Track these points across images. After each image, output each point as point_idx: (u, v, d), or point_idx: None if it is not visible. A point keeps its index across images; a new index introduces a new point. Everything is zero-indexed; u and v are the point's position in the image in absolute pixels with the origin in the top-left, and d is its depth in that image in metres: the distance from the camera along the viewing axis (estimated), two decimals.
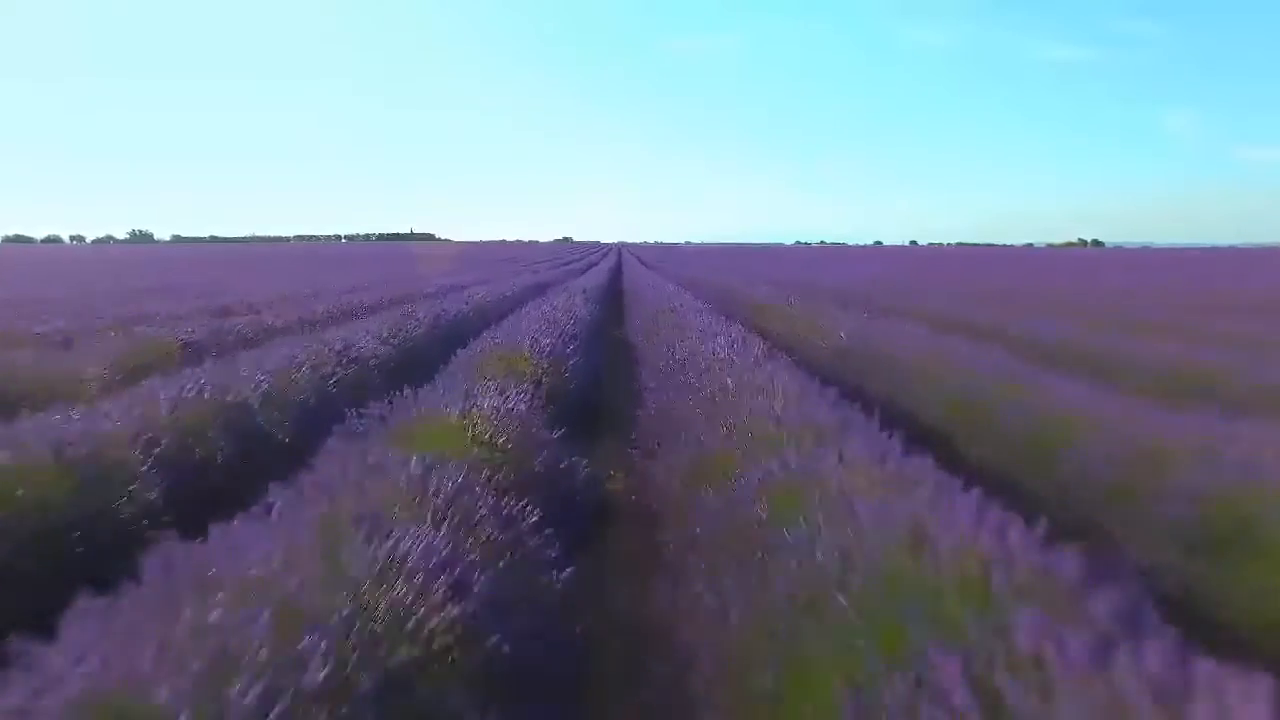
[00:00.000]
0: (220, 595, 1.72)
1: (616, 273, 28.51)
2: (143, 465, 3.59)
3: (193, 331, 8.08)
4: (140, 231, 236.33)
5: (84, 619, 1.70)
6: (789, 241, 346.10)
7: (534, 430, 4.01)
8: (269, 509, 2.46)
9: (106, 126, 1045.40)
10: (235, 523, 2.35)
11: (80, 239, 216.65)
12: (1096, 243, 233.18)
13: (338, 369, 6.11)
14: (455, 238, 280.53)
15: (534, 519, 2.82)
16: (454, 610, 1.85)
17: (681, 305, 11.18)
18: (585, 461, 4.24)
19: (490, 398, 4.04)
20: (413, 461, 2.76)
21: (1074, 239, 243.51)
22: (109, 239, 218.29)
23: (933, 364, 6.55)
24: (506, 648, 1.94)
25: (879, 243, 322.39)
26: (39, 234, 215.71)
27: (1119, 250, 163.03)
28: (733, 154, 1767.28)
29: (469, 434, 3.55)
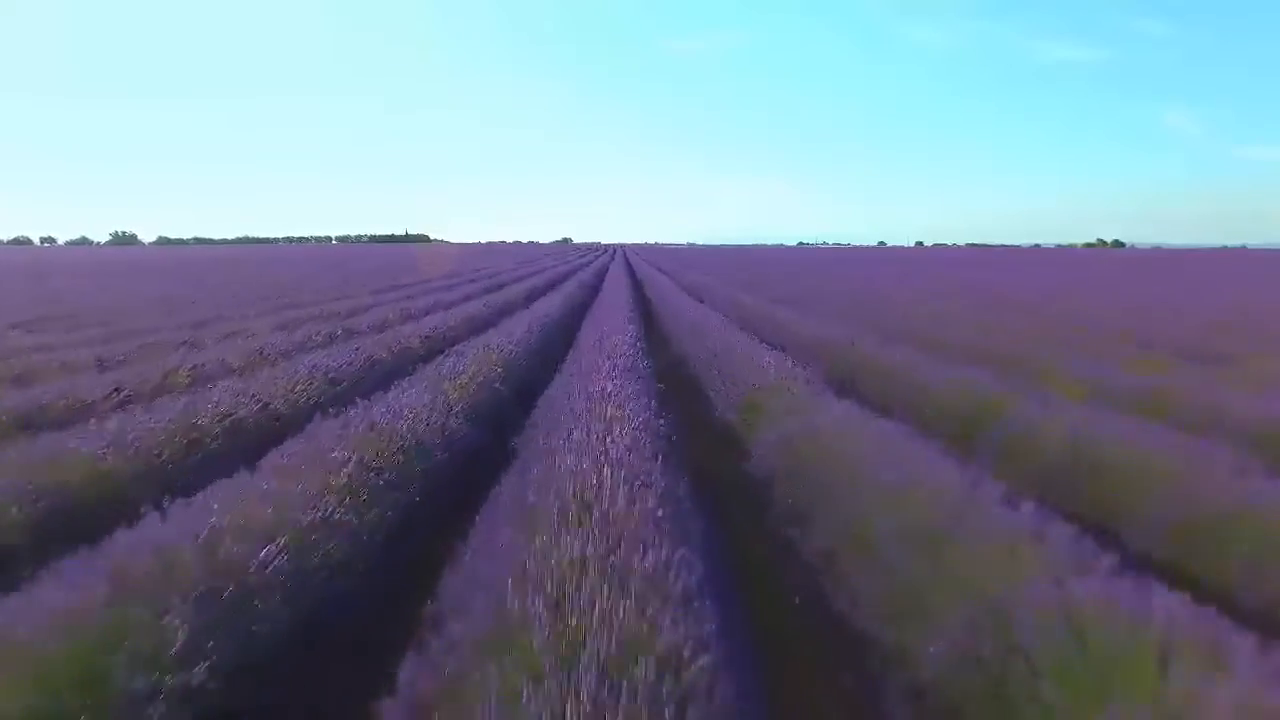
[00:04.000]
0: None
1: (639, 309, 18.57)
2: None
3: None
4: (123, 233, 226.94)
5: None
6: (791, 242, 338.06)
7: None
8: None
9: (81, 124, 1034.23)
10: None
11: (51, 240, 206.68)
12: (1117, 243, 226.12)
13: None
14: (453, 239, 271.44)
15: None
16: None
17: None
18: None
19: None
20: None
21: (1093, 239, 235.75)
22: (84, 240, 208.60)
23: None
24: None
25: (883, 243, 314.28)
26: (5, 235, 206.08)
27: (1132, 251, 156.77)
28: (734, 154, 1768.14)
29: None
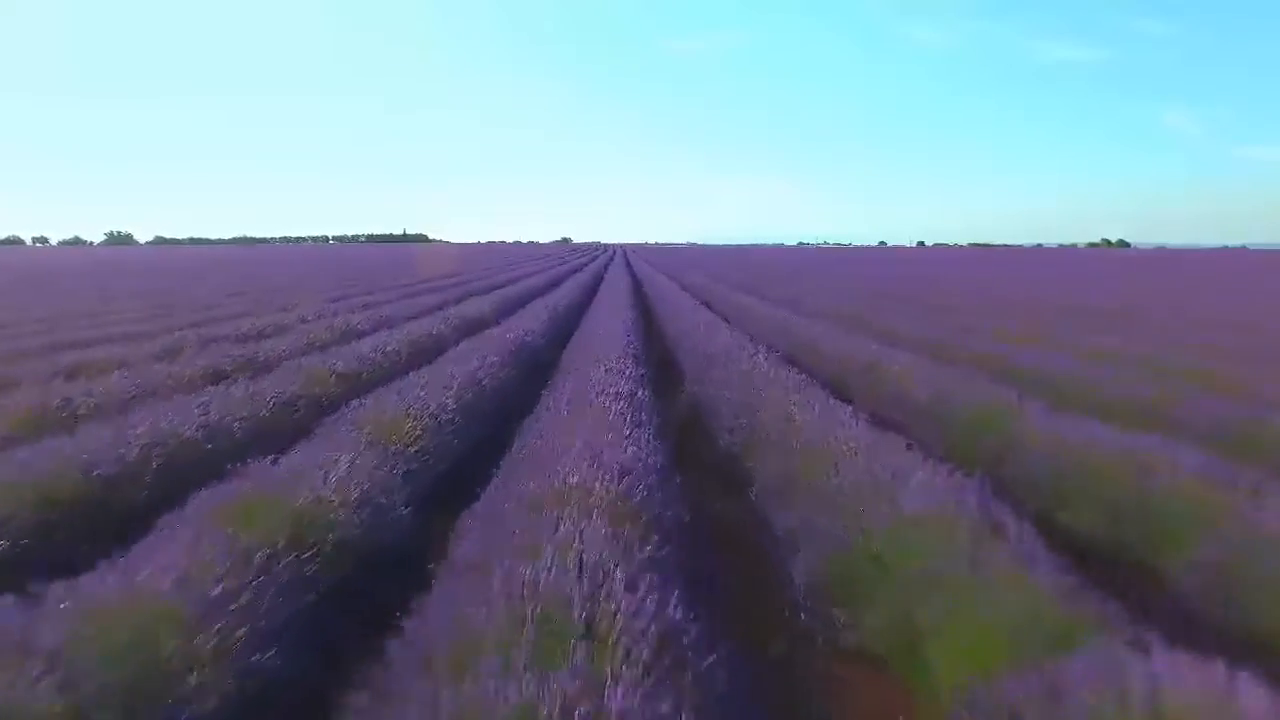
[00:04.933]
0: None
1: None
2: None
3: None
4: (119, 233, 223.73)
5: None
6: (792, 242, 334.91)
7: None
8: None
9: (78, 123, 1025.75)
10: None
11: (44, 240, 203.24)
12: (1122, 243, 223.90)
13: None
14: (452, 238, 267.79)
15: None
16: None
17: None
18: None
19: None
20: None
21: (1097, 239, 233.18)
22: (78, 240, 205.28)
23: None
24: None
25: (883, 243, 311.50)
26: None
27: (1139, 250, 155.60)
28: (734, 154, 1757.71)
29: None
